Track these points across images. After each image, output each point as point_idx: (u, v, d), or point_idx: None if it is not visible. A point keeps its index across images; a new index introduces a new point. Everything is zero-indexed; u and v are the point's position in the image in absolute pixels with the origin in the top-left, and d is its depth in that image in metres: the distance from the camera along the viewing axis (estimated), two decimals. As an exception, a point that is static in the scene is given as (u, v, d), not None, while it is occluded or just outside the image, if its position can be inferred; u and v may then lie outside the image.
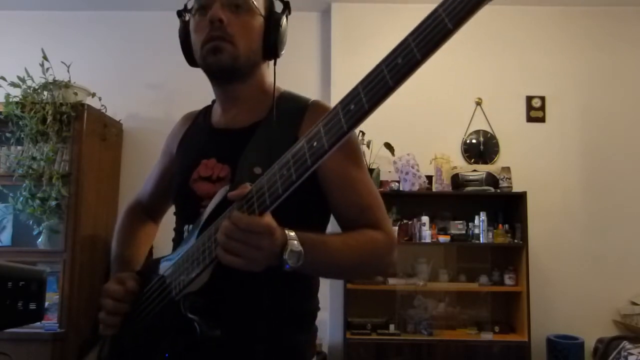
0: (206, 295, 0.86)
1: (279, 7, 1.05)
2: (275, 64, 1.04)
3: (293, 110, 1.00)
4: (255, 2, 0.99)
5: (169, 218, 1.26)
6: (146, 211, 1.25)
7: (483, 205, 3.19)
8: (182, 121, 1.19)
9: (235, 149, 0.95)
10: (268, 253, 0.76)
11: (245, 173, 0.87)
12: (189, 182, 1.01)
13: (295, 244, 0.78)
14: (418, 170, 3.19)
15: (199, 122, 1.14)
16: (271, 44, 1.01)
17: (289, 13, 1.04)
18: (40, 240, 2.97)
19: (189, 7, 1.03)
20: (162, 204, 1.24)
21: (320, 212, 1.02)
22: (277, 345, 0.95)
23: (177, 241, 1.03)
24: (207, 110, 1.15)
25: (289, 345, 0.97)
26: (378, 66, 0.63)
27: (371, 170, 3.14)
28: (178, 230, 1.05)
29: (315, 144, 0.69)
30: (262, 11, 1.01)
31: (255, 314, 0.94)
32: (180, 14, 1.05)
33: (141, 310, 0.97)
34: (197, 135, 1.11)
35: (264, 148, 0.93)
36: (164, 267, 0.95)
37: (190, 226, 0.95)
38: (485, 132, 3.45)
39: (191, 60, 1.05)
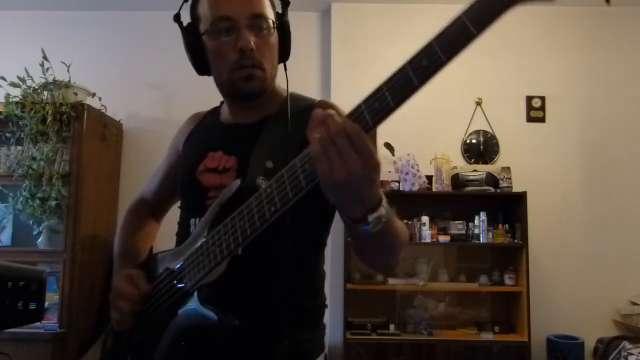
0: (220, 287, 0.88)
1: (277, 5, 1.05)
2: (285, 68, 1.06)
3: (301, 108, 1.01)
4: (272, 19, 0.99)
5: (169, 215, 1.27)
6: (150, 209, 1.26)
7: (483, 205, 3.19)
8: (189, 120, 1.20)
9: (242, 141, 0.97)
10: (366, 174, 0.67)
11: (257, 166, 0.89)
12: (195, 174, 1.02)
13: (386, 207, 0.72)
14: (418, 170, 3.19)
15: (206, 120, 1.16)
16: (286, 52, 1.04)
17: (288, 6, 1.04)
18: (40, 240, 2.97)
19: (200, 20, 1.00)
20: (166, 201, 1.25)
21: (324, 212, 1.02)
22: (289, 338, 0.95)
23: (183, 235, 1.03)
24: (215, 110, 1.17)
25: (300, 341, 0.97)
26: (402, 67, 0.68)
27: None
28: (183, 224, 1.05)
29: None
30: (275, 21, 1.01)
31: (269, 306, 0.95)
32: (176, 18, 1.02)
33: (150, 303, 0.97)
34: (205, 131, 1.13)
35: (275, 143, 0.94)
36: (171, 260, 0.96)
37: (197, 219, 0.96)
38: (485, 132, 3.45)
39: (201, 70, 1.05)
